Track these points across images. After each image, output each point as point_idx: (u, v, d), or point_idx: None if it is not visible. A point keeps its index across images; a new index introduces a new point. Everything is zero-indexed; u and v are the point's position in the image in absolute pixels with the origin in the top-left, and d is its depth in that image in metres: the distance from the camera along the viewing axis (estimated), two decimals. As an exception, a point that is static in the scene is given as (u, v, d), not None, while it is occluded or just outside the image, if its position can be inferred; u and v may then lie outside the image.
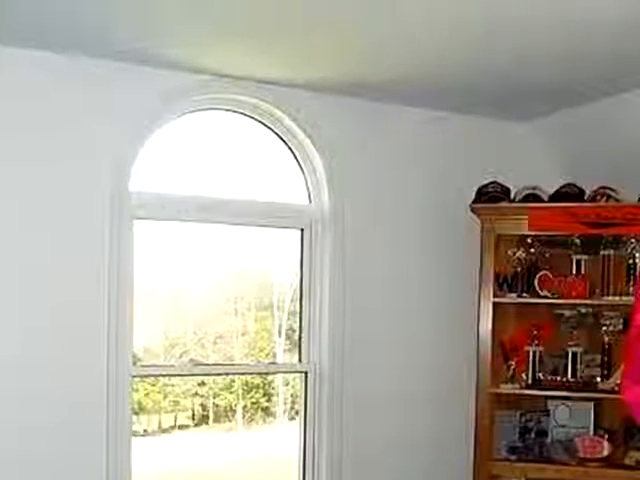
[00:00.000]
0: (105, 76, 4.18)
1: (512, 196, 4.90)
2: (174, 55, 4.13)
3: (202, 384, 4.90)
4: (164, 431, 4.84)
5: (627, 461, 4.70)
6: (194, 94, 4.45)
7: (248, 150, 4.73)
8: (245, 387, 4.97)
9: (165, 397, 4.82)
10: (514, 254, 4.87)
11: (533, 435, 4.88)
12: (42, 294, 4.11)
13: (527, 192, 4.85)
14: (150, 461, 4.62)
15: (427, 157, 5.02)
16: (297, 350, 4.90)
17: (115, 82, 4.21)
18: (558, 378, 4.84)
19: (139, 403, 4.63)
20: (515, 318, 4.97)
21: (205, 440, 4.89)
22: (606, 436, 4.76)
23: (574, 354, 4.86)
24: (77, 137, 4.17)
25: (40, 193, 4.10)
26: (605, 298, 4.77)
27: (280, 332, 4.99)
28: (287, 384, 5.07)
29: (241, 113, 4.68)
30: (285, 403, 5.05)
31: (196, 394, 4.91)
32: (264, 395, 5.03)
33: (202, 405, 4.92)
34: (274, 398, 5.05)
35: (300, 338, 4.87)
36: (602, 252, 4.83)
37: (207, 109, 4.60)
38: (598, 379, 4.80)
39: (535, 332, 4.88)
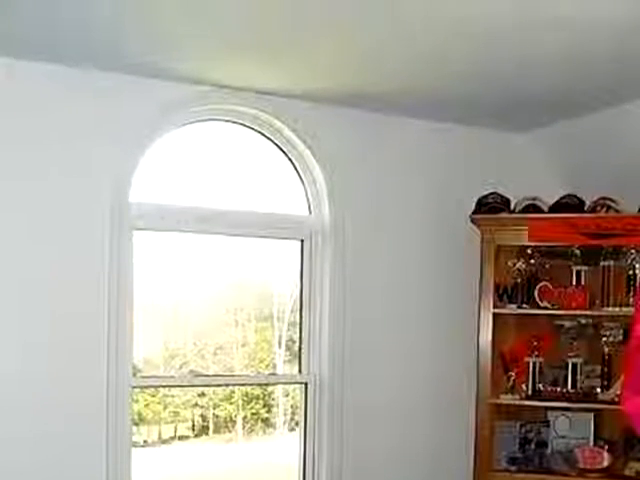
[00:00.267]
0: (110, 88, 4.19)
1: (512, 207, 4.91)
2: (183, 69, 4.16)
3: (202, 395, 4.89)
4: (164, 442, 4.84)
5: (627, 472, 4.69)
6: (194, 105, 4.46)
7: (248, 161, 4.73)
8: (245, 398, 4.96)
9: (165, 408, 4.82)
10: (514, 265, 4.87)
11: (533, 446, 4.87)
12: (42, 305, 4.11)
13: (527, 203, 4.85)
14: (150, 472, 4.62)
15: (427, 168, 5.02)
16: (297, 361, 4.90)
17: (117, 94, 4.21)
18: (558, 389, 4.84)
19: (139, 414, 4.62)
20: (515, 329, 4.97)
21: (205, 451, 4.88)
22: (606, 447, 4.75)
23: (574, 365, 4.85)
24: (78, 149, 4.17)
25: (40, 204, 4.11)
26: (605, 309, 4.77)
27: (280, 343, 4.99)
28: (287, 395, 5.06)
29: (241, 124, 4.68)
30: (285, 414, 5.04)
31: (196, 405, 4.91)
32: (264, 406, 5.02)
33: (202, 416, 4.92)
34: (274, 409, 5.05)
35: (300, 349, 4.87)
36: (602, 263, 4.83)
37: (207, 120, 4.60)
38: (598, 390, 4.80)
39: (535, 343, 4.87)
